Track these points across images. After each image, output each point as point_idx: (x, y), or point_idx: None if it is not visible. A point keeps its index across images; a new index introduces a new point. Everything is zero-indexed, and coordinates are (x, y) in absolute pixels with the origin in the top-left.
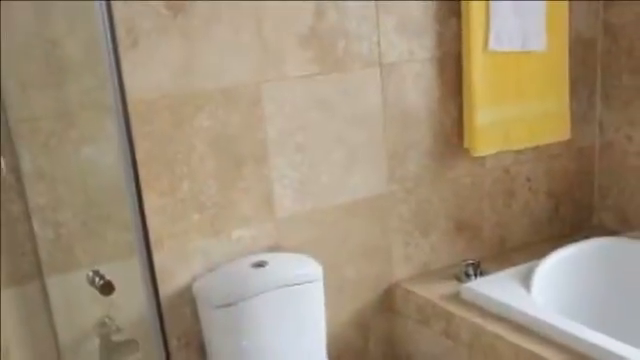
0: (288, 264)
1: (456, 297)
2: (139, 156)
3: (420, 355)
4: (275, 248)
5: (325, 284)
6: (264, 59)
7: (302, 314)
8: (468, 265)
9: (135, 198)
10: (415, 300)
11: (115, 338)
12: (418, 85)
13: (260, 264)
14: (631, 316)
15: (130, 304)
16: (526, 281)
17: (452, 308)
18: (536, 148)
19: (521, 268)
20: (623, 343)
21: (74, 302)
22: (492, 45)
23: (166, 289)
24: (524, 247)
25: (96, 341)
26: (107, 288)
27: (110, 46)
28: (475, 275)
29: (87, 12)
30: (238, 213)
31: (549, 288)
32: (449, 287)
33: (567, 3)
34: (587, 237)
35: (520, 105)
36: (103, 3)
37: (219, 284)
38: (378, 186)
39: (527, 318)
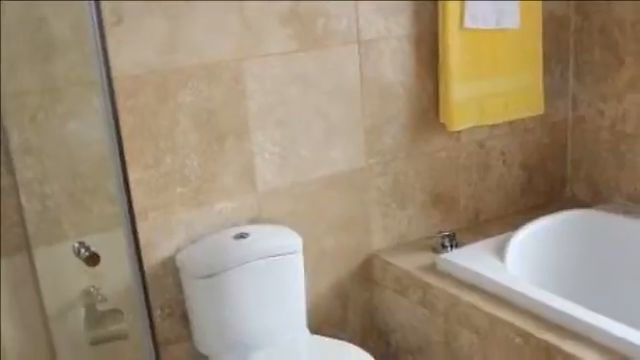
0: (269, 236)
1: (432, 268)
2: (124, 130)
3: (397, 324)
4: (256, 220)
5: (305, 255)
6: (246, 36)
7: (283, 284)
8: (444, 237)
9: (120, 171)
10: (392, 271)
11: (100, 308)
12: (395, 61)
13: (242, 236)
14: (602, 286)
15: (115, 274)
16: (500, 252)
17: (428, 278)
18: (510, 123)
19: (495, 239)
20: (594, 312)
21: (60, 273)
22: (467, 23)
23: (150, 260)
24: (498, 219)
25: (82, 310)
26: (92, 259)
27: (96, 23)
28: (451, 246)
29: None
30: (220, 186)
31: (523, 259)
32: (425, 258)
33: None
34: (560, 209)
35: (495, 81)
36: None
37: (202, 255)
38: (356, 160)
39: (501, 288)
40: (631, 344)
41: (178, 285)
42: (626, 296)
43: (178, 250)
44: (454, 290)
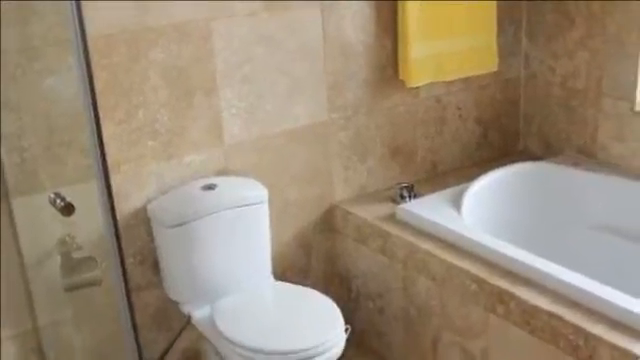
0: (236, 187)
1: (391, 217)
2: (98, 87)
3: (359, 271)
4: (223, 172)
5: (270, 205)
6: None
7: (249, 234)
8: (402, 188)
9: (94, 125)
10: (354, 220)
11: (75, 255)
12: (356, 22)
13: (210, 187)
14: (553, 234)
15: (89, 224)
16: (456, 202)
17: (388, 228)
18: (466, 79)
19: (452, 190)
20: (545, 259)
21: (37, 222)
22: None
23: (122, 210)
24: (455, 171)
25: (58, 258)
26: (67, 209)
27: None
28: (409, 197)
29: None
30: (189, 140)
31: (478, 209)
32: (385, 208)
33: None
34: (513, 162)
35: (451, 40)
36: None
37: (171, 205)
38: (319, 114)
39: (457, 237)
40: (580, 290)
41: (149, 234)
42: (575, 244)
43: (149, 201)
44: (412, 239)
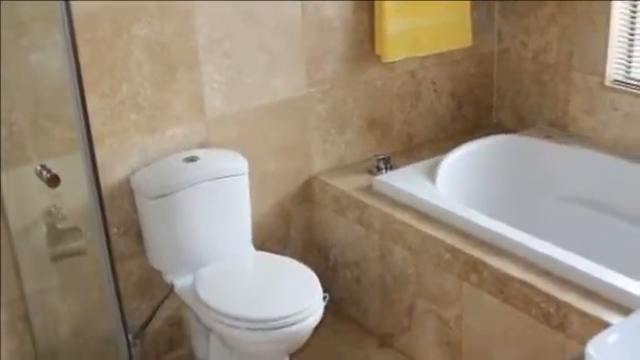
0: (217, 159)
1: (368, 189)
2: (82, 62)
3: (336, 241)
4: (205, 145)
5: (250, 177)
6: None
7: (229, 204)
8: (379, 160)
9: (79, 99)
10: (331, 191)
11: (61, 226)
12: None
13: (192, 159)
14: (525, 205)
15: (74, 195)
16: (431, 174)
17: (365, 199)
18: (440, 54)
19: (427, 162)
20: (518, 229)
21: (24, 194)
22: None
23: (107, 182)
24: (430, 143)
25: (44, 229)
26: (53, 180)
27: None
28: (386, 169)
29: None
30: (172, 113)
31: (452, 180)
32: (362, 180)
33: None
34: (487, 134)
35: (426, 16)
36: None
37: (154, 177)
38: (298, 88)
39: (432, 207)
40: (552, 259)
41: (133, 205)
42: (546, 214)
43: (132, 172)
44: (388, 209)
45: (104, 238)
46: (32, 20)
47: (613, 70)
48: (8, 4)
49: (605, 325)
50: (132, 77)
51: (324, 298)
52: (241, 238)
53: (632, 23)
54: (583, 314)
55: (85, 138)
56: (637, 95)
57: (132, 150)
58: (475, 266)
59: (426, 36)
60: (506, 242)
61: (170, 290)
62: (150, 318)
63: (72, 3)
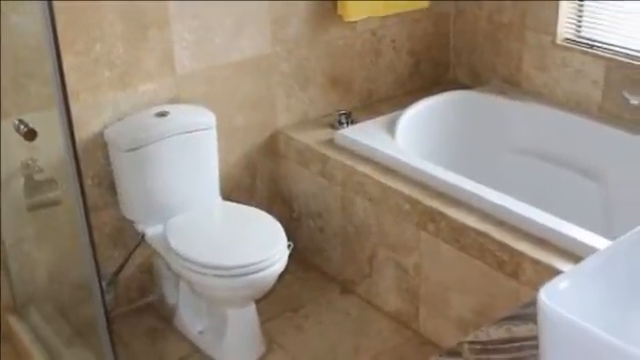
0: (186, 114)
1: (330, 142)
2: (58, 22)
3: (300, 192)
4: (175, 100)
5: (218, 131)
6: None
7: (198, 157)
8: (341, 115)
9: (55, 58)
10: (295, 145)
11: (37, 177)
12: None
13: (162, 114)
14: (480, 158)
15: (50, 148)
16: (391, 128)
17: (327, 152)
18: (400, 14)
19: (387, 117)
20: (473, 181)
21: (2, 147)
22: None
23: (81, 135)
24: (389, 99)
25: (21, 180)
26: (30, 134)
27: None
28: (347, 123)
29: None
30: (143, 70)
31: (411, 134)
32: (324, 134)
33: None
34: (443, 90)
35: None
36: None
37: (127, 131)
38: (263, 47)
39: (392, 160)
40: (506, 209)
41: (106, 158)
42: (501, 167)
43: (106, 127)
44: (350, 162)
45: (79, 189)
46: None
47: (564, 29)
48: None
49: (556, 272)
50: (105, 36)
51: (288, 246)
52: (209, 189)
53: None
54: (535, 262)
55: (60, 94)
56: (587, 53)
57: (106, 105)
58: (433, 216)
59: None
60: (462, 193)
61: (141, 239)
62: (122, 265)
63: None
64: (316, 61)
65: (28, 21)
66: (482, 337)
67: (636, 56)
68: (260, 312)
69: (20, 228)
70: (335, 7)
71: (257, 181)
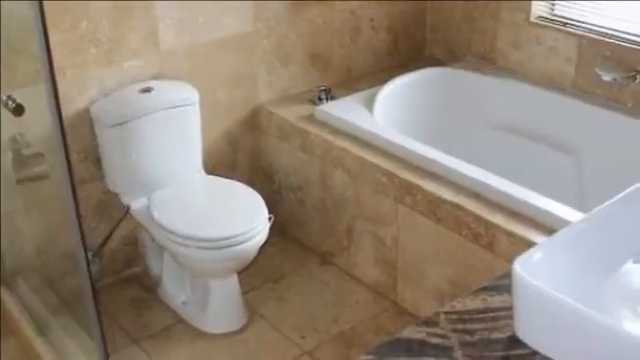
0: (170, 90)
1: (310, 118)
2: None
3: (281, 166)
4: (159, 77)
5: (201, 107)
6: None
7: (182, 132)
8: (320, 91)
9: (42, 35)
10: (276, 120)
11: (25, 152)
12: None
13: (146, 90)
14: (456, 133)
15: (38, 123)
16: (369, 104)
17: (307, 127)
18: None
19: (365, 93)
20: (447, 154)
21: None
22: None
23: (68, 111)
24: (367, 76)
25: (9, 154)
26: (18, 110)
27: None
28: (326, 99)
29: None
30: (128, 47)
31: (388, 110)
32: (305, 109)
33: None
34: (420, 67)
35: None
36: None
37: (112, 107)
38: (245, 25)
39: (370, 135)
40: (481, 183)
41: (92, 133)
42: (476, 142)
43: (92, 102)
44: (329, 137)
45: (65, 163)
46: None
47: (538, 7)
48: None
49: (530, 244)
50: (91, 14)
51: (269, 219)
52: (193, 163)
53: None
54: (510, 234)
55: (47, 71)
56: (560, 30)
57: (91, 82)
58: (410, 189)
59: None
60: (439, 167)
61: (126, 212)
62: (108, 238)
63: None
64: (296, 39)
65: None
66: (458, 307)
67: (608, 34)
68: (242, 283)
69: (9, 201)
70: None
71: (239, 155)
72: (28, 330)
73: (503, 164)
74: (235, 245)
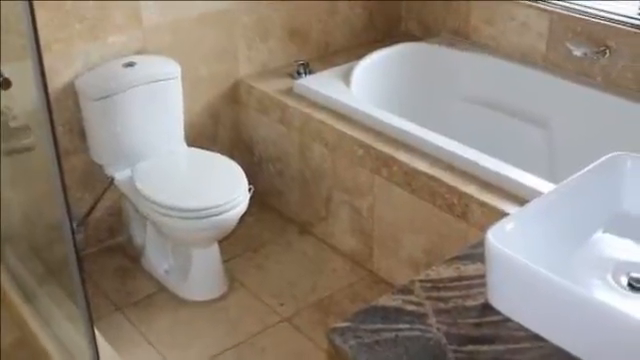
0: (153, 64)
1: (289, 91)
2: None
3: (260, 138)
4: (142, 51)
5: (183, 81)
6: None
7: (164, 105)
8: (299, 65)
9: (28, 11)
10: (256, 94)
11: (12, 124)
12: None
13: (130, 64)
14: (431, 106)
15: (24, 97)
16: (346, 78)
17: (286, 100)
18: None
19: (342, 68)
20: (422, 127)
21: None
22: None
23: (54, 84)
24: (344, 51)
25: None
26: (5, 83)
27: None
28: (305, 73)
29: None
30: (112, 23)
31: (365, 84)
32: (284, 83)
33: None
34: (396, 42)
35: None
36: None
37: (96, 81)
38: (226, 1)
39: (347, 108)
40: (455, 154)
41: (77, 106)
42: (451, 115)
43: (77, 76)
44: (307, 110)
45: (51, 135)
46: None
47: None
48: None
49: (503, 214)
50: None
51: (249, 190)
52: (175, 136)
53: None
54: (483, 204)
55: (34, 45)
56: (531, 7)
57: (76, 56)
58: (386, 161)
59: None
60: (414, 139)
61: (110, 183)
62: (92, 208)
63: None
64: (275, 14)
65: None
66: (433, 276)
67: (578, 9)
68: (223, 252)
69: None
70: None
71: (220, 128)
72: (15, 297)
73: (477, 137)
74: (216, 215)
